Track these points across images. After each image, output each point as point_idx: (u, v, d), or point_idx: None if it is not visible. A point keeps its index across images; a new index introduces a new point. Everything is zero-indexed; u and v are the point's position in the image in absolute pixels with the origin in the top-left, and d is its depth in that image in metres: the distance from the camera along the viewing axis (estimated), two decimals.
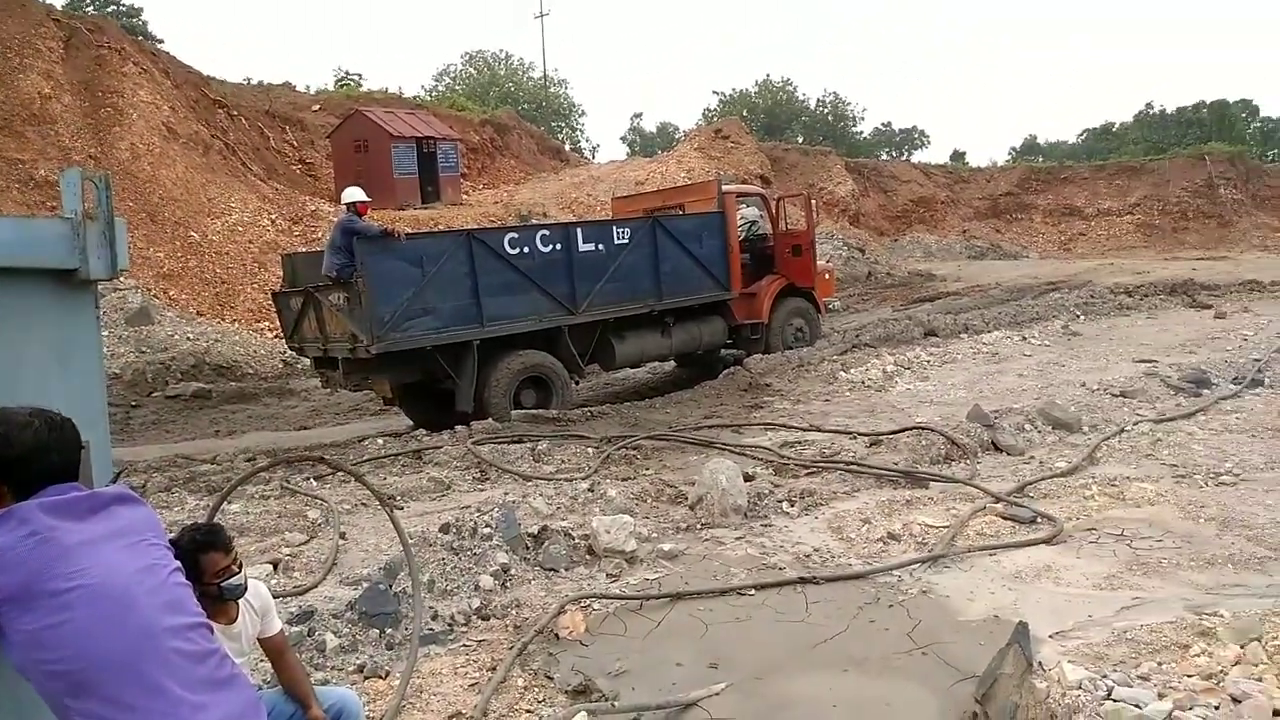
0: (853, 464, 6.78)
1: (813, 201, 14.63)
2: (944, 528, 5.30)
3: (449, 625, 4.44)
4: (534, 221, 17.77)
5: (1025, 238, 39.65)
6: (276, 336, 15.09)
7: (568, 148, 43.37)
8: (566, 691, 3.80)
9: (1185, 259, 27.79)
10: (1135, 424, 7.36)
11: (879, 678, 3.82)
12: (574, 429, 8.69)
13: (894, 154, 64.77)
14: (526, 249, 10.01)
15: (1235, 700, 2.92)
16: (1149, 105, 62.53)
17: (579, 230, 10.78)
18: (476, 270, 9.51)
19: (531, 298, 10.02)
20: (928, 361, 10.92)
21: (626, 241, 10.90)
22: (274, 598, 3.04)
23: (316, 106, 28.88)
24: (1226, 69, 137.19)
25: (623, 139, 70.78)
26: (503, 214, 23.17)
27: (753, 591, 4.69)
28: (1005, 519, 5.41)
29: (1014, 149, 71.97)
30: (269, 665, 2.89)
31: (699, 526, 5.79)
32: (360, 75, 39.13)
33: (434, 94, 46.20)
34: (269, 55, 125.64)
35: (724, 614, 4.49)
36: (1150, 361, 9.92)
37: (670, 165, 29.35)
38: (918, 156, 61.71)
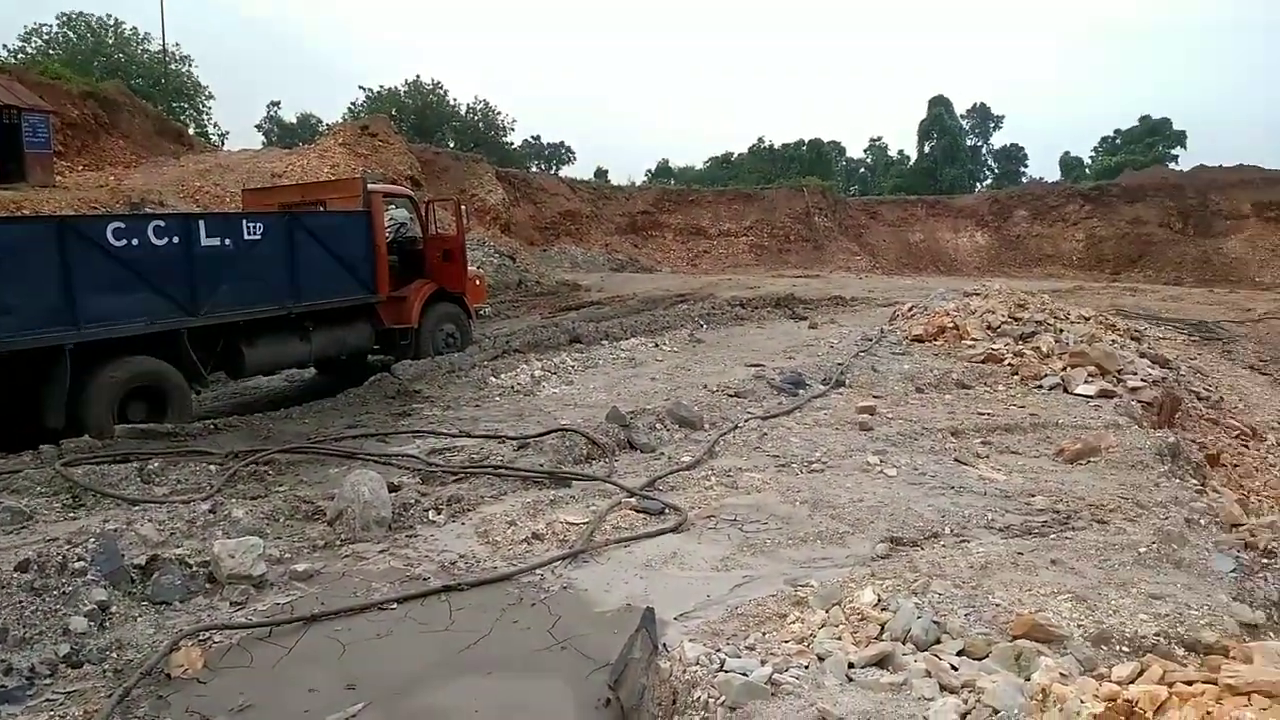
0: (500, 468, 6.85)
1: (464, 207, 14.60)
2: (584, 524, 5.54)
3: (27, 679, 3.76)
4: (147, 210, 15.69)
5: (659, 253, 43.06)
6: None
7: (192, 131, 38.96)
8: None
9: (788, 277, 31.88)
10: (746, 421, 8.27)
11: (521, 677, 3.89)
12: (193, 444, 7.80)
13: (543, 167, 66.97)
14: (136, 241, 8.82)
15: (820, 658, 3.38)
16: (760, 140, 71.16)
17: (202, 223, 9.74)
18: (70, 264, 8.19)
19: (142, 297, 8.85)
20: (572, 366, 11.39)
21: (259, 238, 10.06)
22: None
23: None
24: (820, 113, 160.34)
25: (258, 127, 65.36)
26: (109, 200, 20.20)
27: (395, 605, 4.55)
28: (638, 512, 5.80)
29: (650, 171, 77.92)
30: None
31: (339, 543, 5.49)
32: None
33: (20, 57, 39.07)
34: None
35: (365, 632, 4.30)
36: (759, 366, 11.19)
37: (312, 159, 27.60)
38: (565, 171, 64.49)
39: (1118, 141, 67.27)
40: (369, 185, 12.35)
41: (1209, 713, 2.48)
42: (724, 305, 19.05)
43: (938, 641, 3.52)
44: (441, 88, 54.88)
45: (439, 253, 13.24)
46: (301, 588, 4.79)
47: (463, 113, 55.76)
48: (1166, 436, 7.68)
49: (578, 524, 5.59)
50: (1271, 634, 3.76)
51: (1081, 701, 2.70)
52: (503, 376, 10.68)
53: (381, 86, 55.18)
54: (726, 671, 3.20)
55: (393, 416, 9.25)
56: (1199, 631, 3.52)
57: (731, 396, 9.31)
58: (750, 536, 5.37)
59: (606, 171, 64.72)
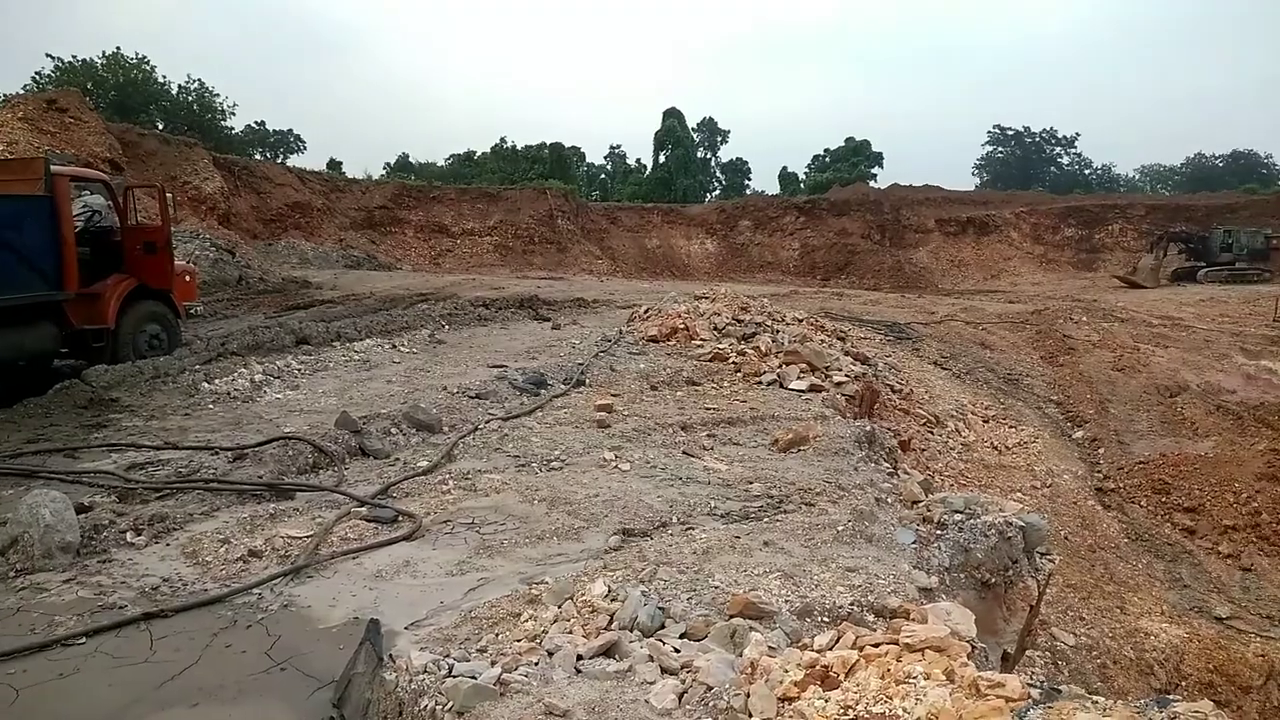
0: (212, 482, 6.29)
1: (170, 195, 13.23)
2: (308, 537, 5.22)
3: None
4: None
5: (399, 250, 41.58)
6: None
7: None
8: None
9: (532, 278, 32.06)
10: (487, 422, 8.21)
11: (234, 704, 3.59)
12: None
13: (268, 155, 62.32)
14: None
15: (550, 654, 3.41)
16: (503, 140, 70.95)
17: None
18: None
19: None
20: (299, 370, 10.70)
21: None
22: None
23: None
24: (562, 118, 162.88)
25: None
26: None
27: (83, 639, 4.03)
28: (369, 521, 5.55)
29: (389, 164, 75.14)
30: None
31: (12, 574, 4.77)
32: None
33: None
34: None
35: (44, 673, 3.78)
36: (502, 366, 11.14)
37: None
38: (293, 161, 60.39)
39: (827, 160, 74.29)
40: (53, 167, 10.84)
41: (889, 670, 2.79)
42: (467, 305, 18.77)
43: (662, 627, 3.68)
44: (148, 63, 49.37)
45: (140, 245, 11.88)
46: None
47: (174, 92, 50.49)
48: (864, 426, 8.57)
49: (301, 538, 5.25)
50: (943, 595, 4.31)
51: (785, 671, 2.94)
52: (217, 382, 9.80)
53: (74, 57, 48.62)
54: (455, 676, 3.15)
55: (84, 429, 8.18)
56: (885, 598, 3.96)
57: (473, 398, 9.19)
58: (487, 539, 5.32)
59: (340, 163, 61.48)
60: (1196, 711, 2.11)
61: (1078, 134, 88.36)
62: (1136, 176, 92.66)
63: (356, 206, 42.79)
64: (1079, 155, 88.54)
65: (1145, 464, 16.26)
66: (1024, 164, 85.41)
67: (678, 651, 3.37)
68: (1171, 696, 2.31)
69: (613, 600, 3.91)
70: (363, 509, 5.74)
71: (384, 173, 64.37)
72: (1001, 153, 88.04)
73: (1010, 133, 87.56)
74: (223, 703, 3.59)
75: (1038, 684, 2.44)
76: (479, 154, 71.63)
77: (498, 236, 44.41)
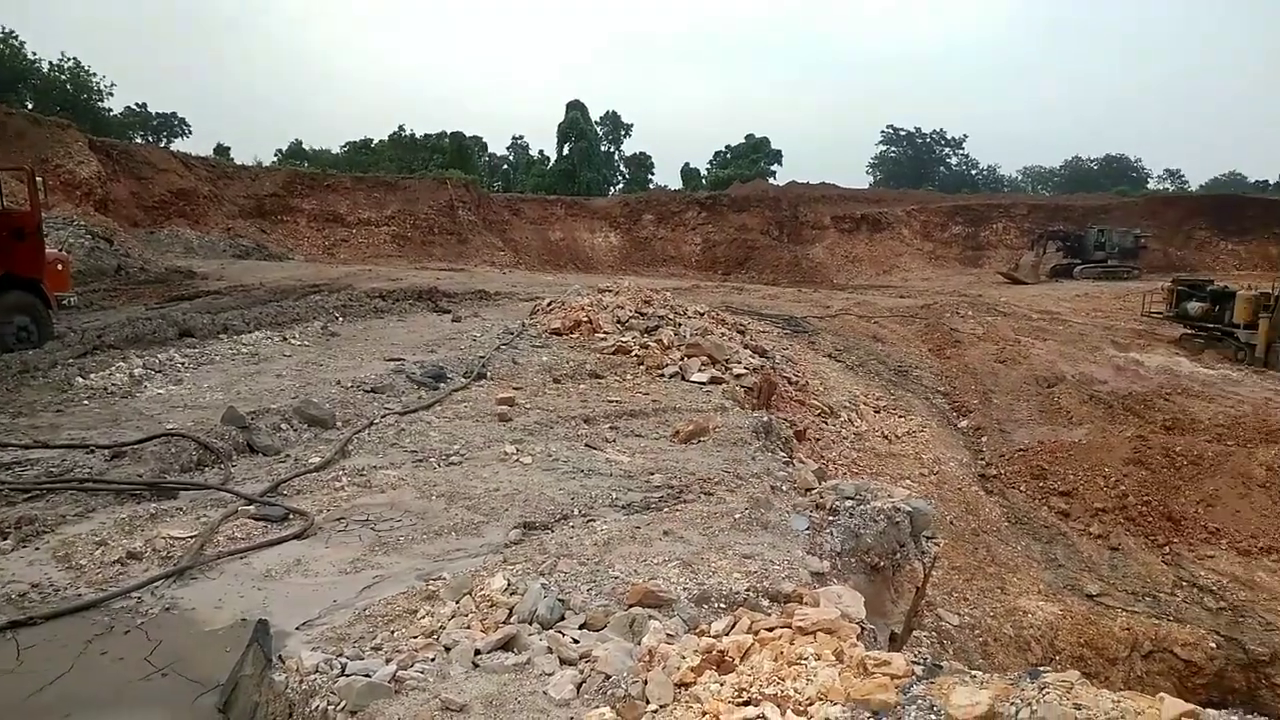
0: (87, 481, 5.95)
1: (40, 178, 12.44)
2: (192, 538, 5.00)
3: None
4: None
5: (291, 240, 40.13)
6: None
7: None
8: None
9: (432, 269, 31.46)
10: (383, 417, 8.02)
11: (111, 713, 3.43)
12: None
13: (150, 139, 59.27)
14: None
15: (447, 649, 3.37)
16: (401, 128, 69.30)
17: None
18: None
19: None
20: (183, 364, 10.21)
21: None
22: None
23: None
24: (463, 108, 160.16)
25: None
26: None
27: None
28: (258, 520, 5.36)
29: (280, 151, 72.41)
30: None
31: None
32: None
33: None
34: None
35: None
36: (399, 360, 10.90)
37: None
38: (177, 145, 57.60)
39: (728, 156, 75.46)
40: None
41: (782, 652, 2.86)
42: (363, 297, 18.28)
43: (562, 618, 3.69)
44: (15, 38, 46.20)
45: (7, 231, 11.14)
46: None
47: (45, 70, 47.38)
48: (762, 417, 8.76)
49: (184, 538, 5.03)
50: (834, 579, 4.45)
51: (682, 657, 2.98)
52: (93, 376, 9.27)
53: None
54: (348, 676, 3.08)
55: None
56: (780, 583, 4.06)
57: (368, 392, 8.97)
58: (383, 535, 5.21)
59: (229, 149, 58.96)
60: (1064, 680, 2.25)
61: (965, 136, 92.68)
62: (1019, 177, 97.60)
63: (245, 194, 41.10)
64: (967, 156, 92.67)
65: (1024, 451, 17.14)
66: (915, 164, 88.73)
67: (577, 642, 3.38)
68: (1043, 668, 2.46)
69: (512, 594, 3.89)
70: (251, 507, 5.54)
71: (275, 159, 62.13)
72: (894, 153, 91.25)
73: (903, 133, 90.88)
74: (99, 711, 3.42)
75: (921, 661, 2.55)
76: (376, 142, 69.82)
77: (396, 227, 43.36)
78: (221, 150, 57.02)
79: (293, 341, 12.15)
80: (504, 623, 3.64)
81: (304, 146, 72.84)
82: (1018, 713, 2.19)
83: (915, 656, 2.77)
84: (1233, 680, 12.11)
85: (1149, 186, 78.56)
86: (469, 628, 3.65)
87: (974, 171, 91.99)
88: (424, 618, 3.84)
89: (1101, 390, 19.74)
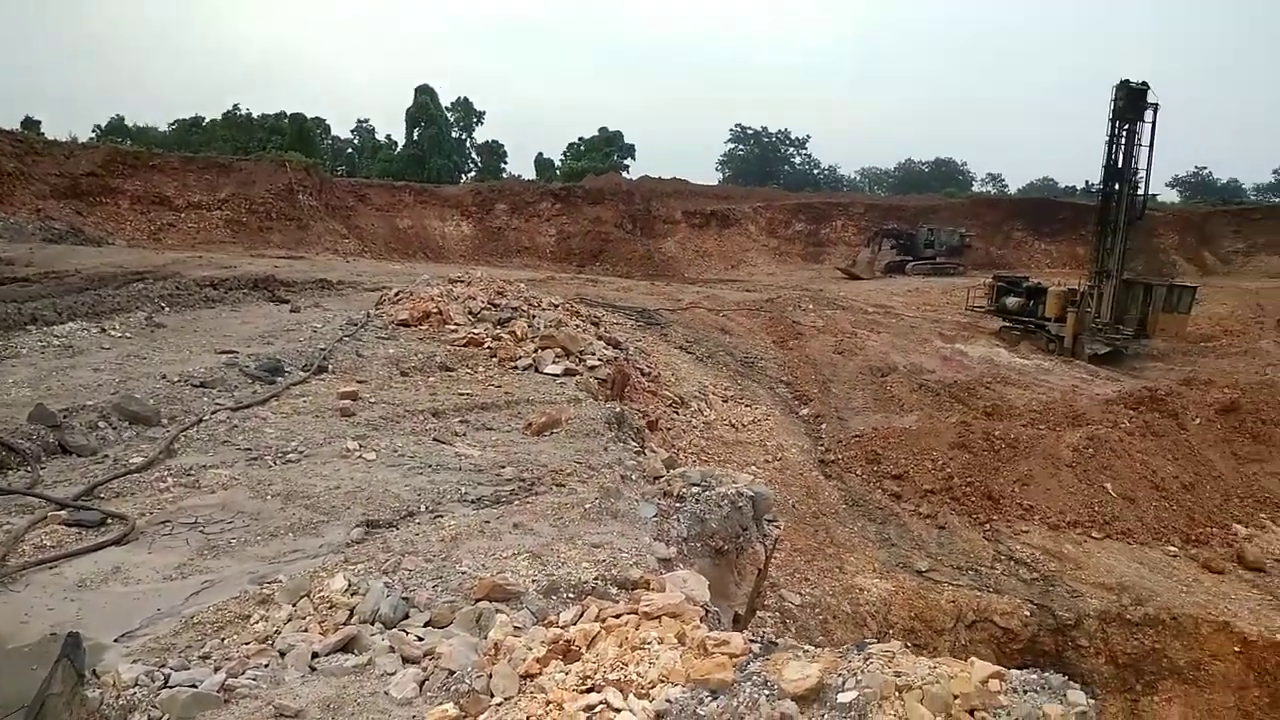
0: None
1: None
2: None
3: None
4: None
5: (111, 223, 37.07)
6: None
7: None
8: None
9: (270, 256, 29.83)
10: (214, 413, 7.57)
11: None
12: None
13: None
14: None
15: (282, 654, 3.23)
16: (236, 107, 65.40)
17: None
18: None
19: None
20: None
21: None
22: None
23: None
24: (306, 88, 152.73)
25: None
26: None
27: None
28: (71, 525, 4.95)
29: (99, 127, 66.84)
30: None
31: None
32: None
33: None
34: None
35: None
36: (232, 352, 10.30)
37: None
38: None
39: (582, 148, 75.49)
40: None
41: (627, 638, 2.91)
42: (192, 285, 17.10)
43: (406, 617, 3.61)
44: None
45: None
46: None
47: None
48: (614, 407, 8.85)
49: None
50: (681, 564, 4.56)
51: (528, 648, 2.98)
52: None
53: None
54: (172, 687, 2.90)
55: None
56: (628, 570, 4.12)
57: (197, 387, 8.43)
58: (213, 539, 4.92)
59: (39, 123, 53.80)
60: (887, 651, 2.40)
61: (808, 136, 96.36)
62: (857, 178, 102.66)
63: (59, 172, 37.63)
64: (809, 156, 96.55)
65: (860, 437, 18.12)
66: (762, 162, 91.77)
67: (421, 640, 3.32)
68: (870, 641, 2.62)
69: (353, 594, 3.77)
70: (63, 512, 5.11)
71: (93, 136, 57.32)
72: (742, 151, 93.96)
73: (750, 132, 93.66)
74: None
75: (758, 639, 2.66)
76: (208, 121, 65.65)
77: (230, 211, 40.84)
78: (30, 124, 51.97)
79: (112, 333, 11.24)
80: (344, 624, 3.53)
81: (126, 123, 67.60)
82: (844, 683, 2.33)
83: (754, 635, 2.88)
84: (1044, 644, 13.26)
85: (974, 189, 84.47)
86: (306, 631, 3.52)
87: (816, 171, 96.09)
88: (257, 623, 3.67)
89: (930, 379, 21.12)
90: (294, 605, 3.79)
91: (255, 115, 62.61)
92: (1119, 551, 15.15)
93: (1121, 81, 25.16)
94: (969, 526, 15.69)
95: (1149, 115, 25.14)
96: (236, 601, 3.97)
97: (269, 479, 5.97)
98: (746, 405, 18.37)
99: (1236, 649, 12.82)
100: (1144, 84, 25.12)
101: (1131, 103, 25.09)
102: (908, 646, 2.49)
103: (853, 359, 21.80)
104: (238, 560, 4.66)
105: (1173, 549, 15.35)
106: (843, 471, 17.08)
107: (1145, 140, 25.31)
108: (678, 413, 16.73)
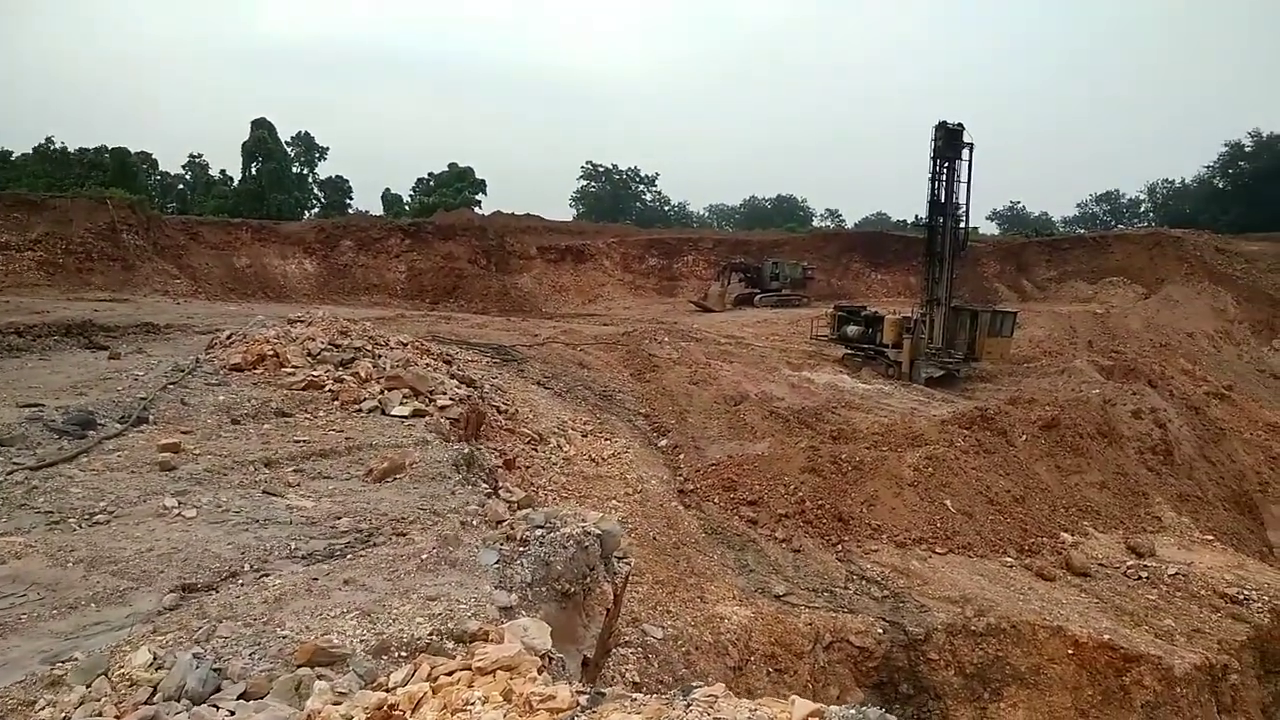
0: None
1: None
2: None
3: None
4: None
5: None
6: None
7: None
8: None
9: (89, 300, 27.64)
10: (10, 473, 6.83)
11: None
12: None
13: None
14: None
15: None
16: (50, 140, 60.58)
17: None
18: None
19: None
20: None
21: None
22: None
23: None
24: (127, 122, 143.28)
25: None
26: None
27: None
28: None
29: None
30: None
31: None
32: None
33: None
34: None
35: None
36: (37, 406, 9.41)
37: None
38: None
39: (432, 184, 74.32)
40: None
41: (449, 700, 2.75)
42: None
43: (218, 689, 3.30)
44: None
45: None
46: None
47: None
48: (463, 448, 8.59)
49: None
50: (524, 611, 4.40)
51: (349, 717, 2.77)
52: None
53: None
54: None
55: None
56: (465, 622, 3.94)
57: None
58: None
59: None
60: (709, 695, 2.35)
61: (658, 174, 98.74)
62: (706, 214, 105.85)
63: None
64: (659, 193, 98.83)
65: (716, 465, 18.40)
66: (614, 198, 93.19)
67: (232, 715, 3.03)
68: (696, 684, 2.56)
69: (158, 669, 3.43)
70: None
71: None
72: (594, 187, 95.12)
73: (601, 169, 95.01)
74: None
75: (587, 690, 2.56)
76: (17, 155, 60.53)
77: (43, 252, 37.59)
78: None
79: None
80: (144, 703, 3.18)
81: None
82: None
83: (584, 687, 2.78)
84: (897, 660, 13.74)
85: (814, 224, 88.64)
86: (100, 716, 3.16)
87: (666, 208, 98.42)
88: (43, 709, 3.27)
89: (780, 406, 21.77)
90: (88, 686, 3.40)
91: (72, 150, 58.22)
92: (961, 565, 15.96)
93: (940, 123, 27.05)
94: (822, 548, 16.16)
95: (965, 154, 27.08)
96: (20, 686, 3.53)
97: (71, 544, 5.41)
98: (606, 439, 18.33)
99: (1070, 651, 13.70)
100: (959, 125, 27.08)
101: (949, 142, 26.96)
102: (732, 690, 2.46)
103: (707, 389, 22.19)
104: (27, 638, 4.16)
105: (1009, 559, 16.32)
106: (701, 500, 17.26)
107: (964, 177, 27.23)
108: (537, 450, 16.48)
